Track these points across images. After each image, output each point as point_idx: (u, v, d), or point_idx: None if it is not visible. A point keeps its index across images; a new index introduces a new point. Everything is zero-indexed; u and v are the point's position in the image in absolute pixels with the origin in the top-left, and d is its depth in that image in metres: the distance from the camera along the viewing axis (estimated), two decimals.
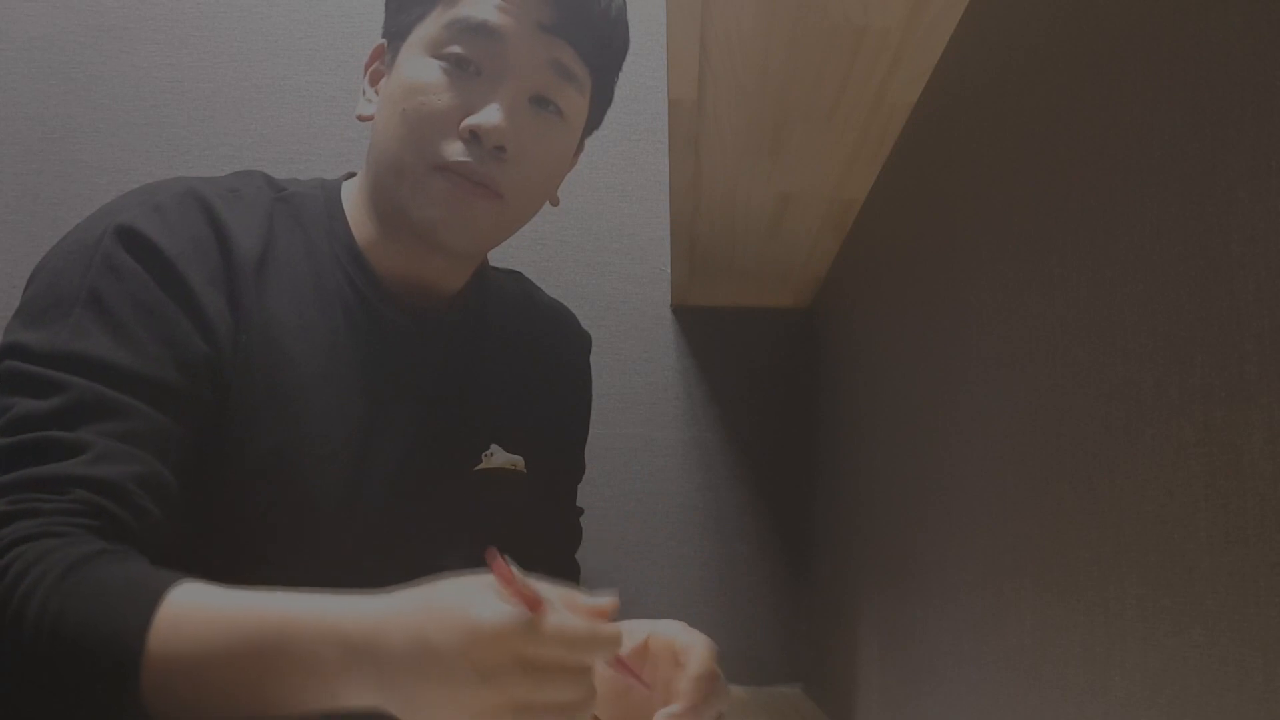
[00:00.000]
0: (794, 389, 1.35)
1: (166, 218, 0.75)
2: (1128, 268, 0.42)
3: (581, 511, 1.03)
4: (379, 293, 0.84)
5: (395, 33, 0.84)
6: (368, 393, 0.82)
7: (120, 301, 0.71)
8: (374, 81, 0.87)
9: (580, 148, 0.92)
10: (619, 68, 0.90)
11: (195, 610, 0.57)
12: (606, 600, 0.60)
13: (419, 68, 0.80)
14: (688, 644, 0.66)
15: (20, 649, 0.58)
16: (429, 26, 0.81)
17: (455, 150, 0.78)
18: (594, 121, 0.91)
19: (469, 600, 0.55)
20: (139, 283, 0.72)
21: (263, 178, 0.85)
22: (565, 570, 1.00)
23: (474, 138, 0.79)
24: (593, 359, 1.07)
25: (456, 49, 0.79)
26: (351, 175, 0.90)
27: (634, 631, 0.67)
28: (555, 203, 0.89)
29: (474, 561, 0.89)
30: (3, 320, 0.78)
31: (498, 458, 0.91)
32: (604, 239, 1.37)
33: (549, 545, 0.98)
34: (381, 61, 0.87)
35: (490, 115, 0.78)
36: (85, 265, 0.72)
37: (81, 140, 1.33)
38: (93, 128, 1.34)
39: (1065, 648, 0.47)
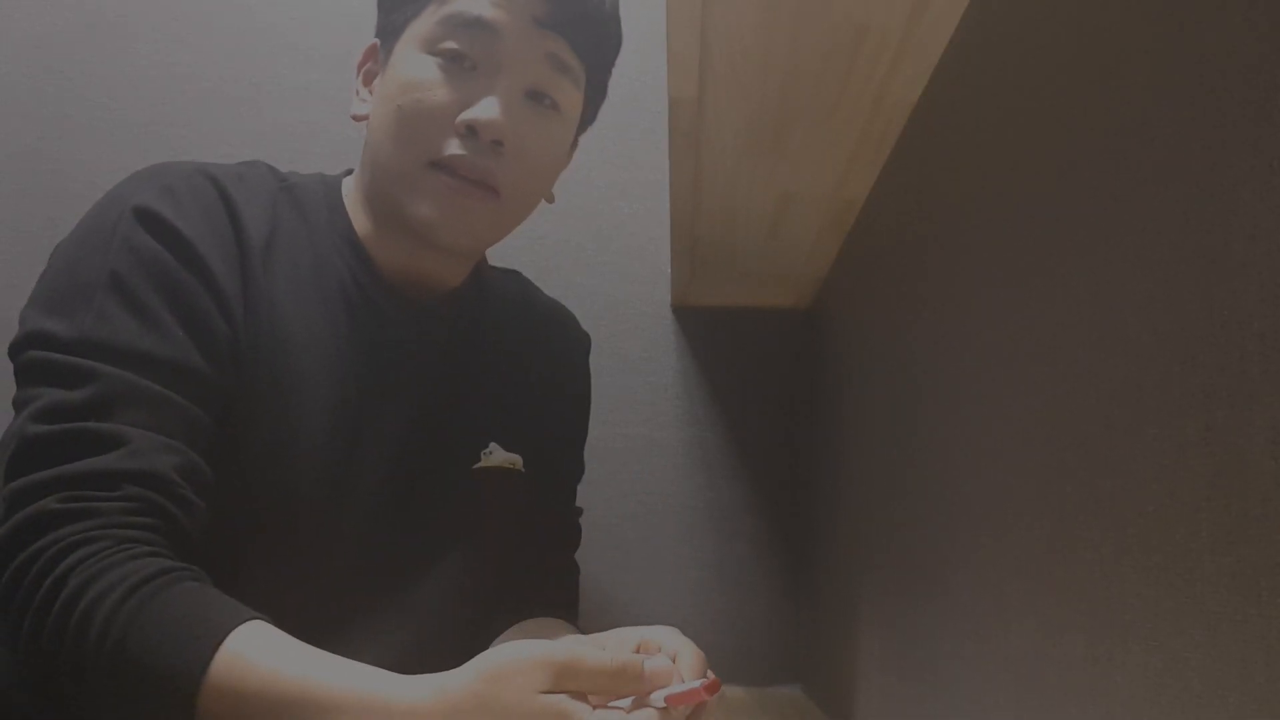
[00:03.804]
0: (794, 389, 1.35)
1: (181, 199, 0.75)
2: (1129, 267, 0.42)
3: (581, 511, 1.03)
4: (379, 286, 0.84)
5: (388, 31, 0.84)
6: (364, 386, 0.82)
7: (143, 284, 0.71)
8: (367, 81, 0.87)
9: (575, 144, 0.92)
10: (613, 63, 0.90)
11: (249, 668, 0.58)
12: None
13: (414, 64, 0.80)
14: (677, 645, 0.65)
15: (79, 663, 0.60)
16: (423, 23, 0.81)
17: (451, 146, 0.78)
18: (589, 117, 0.91)
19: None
20: (161, 264, 0.72)
21: (266, 167, 0.85)
22: (564, 571, 1.00)
23: (470, 133, 0.78)
24: (593, 359, 1.06)
25: (451, 44, 0.79)
26: (350, 172, 0.90)
27: (625, 639, 0.66)
28: (550, 200, 0.89)
29: (472, 559, 0.89)
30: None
31: (496, 456, 0.91)
32: (604, 239, 1.36)
33: (548, 545, 0.98)
34: (375, 61, 0.87)
35: (487, 109, 0.78)
36: (104, 249, 0.72)
37: (78, 138, 1.33)
38: (89, 126, 1.33)
39: (1067, 648, 0.47)
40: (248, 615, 0.61)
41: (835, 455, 1.11)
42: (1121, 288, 0.42)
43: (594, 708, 0.56)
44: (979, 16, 0.65)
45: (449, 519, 0.87)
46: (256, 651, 0.59)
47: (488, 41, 0.79)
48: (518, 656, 0.56)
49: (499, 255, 0.99)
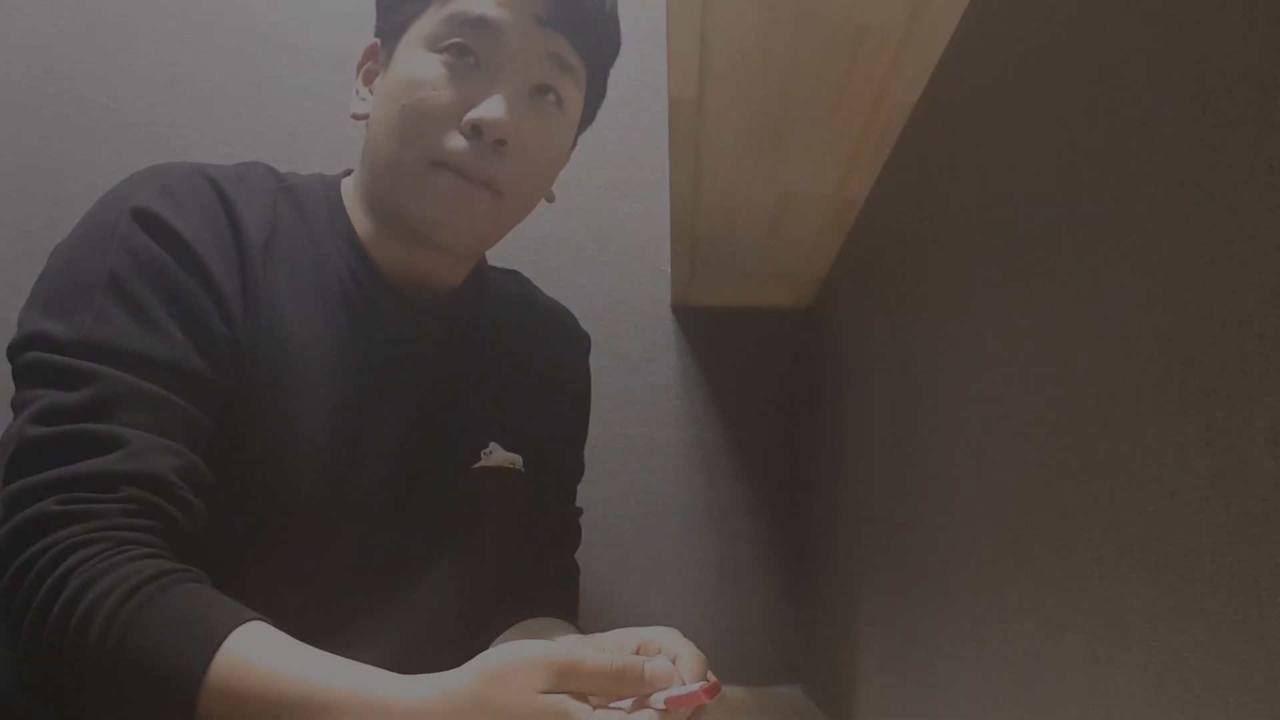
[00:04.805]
0: (794, 389, 1.35)
1: (180, 199, 0.75)
2: (1129, 268, 0.42)
3: (581, 511, 1.03)
4: (379, 286, 0.84)
5: (389, 30, 0.84)
6: (363, 386, 0.82)
7: (141, 285, 0.71)
8: (367, 81, 0.87)
9: (574, 144, 0.92)
10: (611, 63, 0.90)
11: (249, 668, 0.58)
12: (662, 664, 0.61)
13: (418, 63, 0.80)
14: (677, 647, 0.65)
15: (79, 665, 0.60)
16: (426, 22, 0.81)
17: (456, 144, 0.78)
18: (588, 117, 0.91)
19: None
20: (159, 265, 0.72)
21: (265, 167, 0.85)
22: (564, 571, 1.00)
23: (475, 132, 0.78)
24: (593, 359, 1.06)
25: (456, 43, 0.79)
26: (350, 172, 0.90)
27: (625, 641, 0.66)
28: (550, 199, 0.89)
29: (472, 559, 0.89)
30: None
31: (497, 456, 0.91)
32: (604, 239, 1.37)
33: (548, 545, 0.98)
34: (375, 61, 0.87)
35: (493, 108, 0.78)
36: (103, 250, 0.72)
37: (78, 139, 1.33)
38: (89, 126, 1.33)
39: (1067, 648, 0.47)
40: (248, 616, 0.61)
41: (835, 455, 1.11)
42: (1121, 288, 0.42)
43: (594, 709, 0.56)
44: (979, 16, 0.65)
45: (449, 519, 0.87)
46: (256, 652, 0.59)
47: (491, 41, 0.79)
48: (518, 657, 0.56)
49: (499, 255, 0.99)
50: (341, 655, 0.60)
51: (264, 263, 0.78)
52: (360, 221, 0.85)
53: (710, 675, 0.64)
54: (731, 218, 1.04)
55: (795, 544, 1.33)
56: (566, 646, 0.57)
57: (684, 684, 0.60)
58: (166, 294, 0.72)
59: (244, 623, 0.60)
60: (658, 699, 0.58)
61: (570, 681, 0.56)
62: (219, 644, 0.58)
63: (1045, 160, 0.52)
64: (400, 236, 0.83)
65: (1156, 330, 0.39)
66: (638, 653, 0.65)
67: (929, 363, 0.74)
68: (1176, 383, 0.38)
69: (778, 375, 1.36)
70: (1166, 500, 0.38)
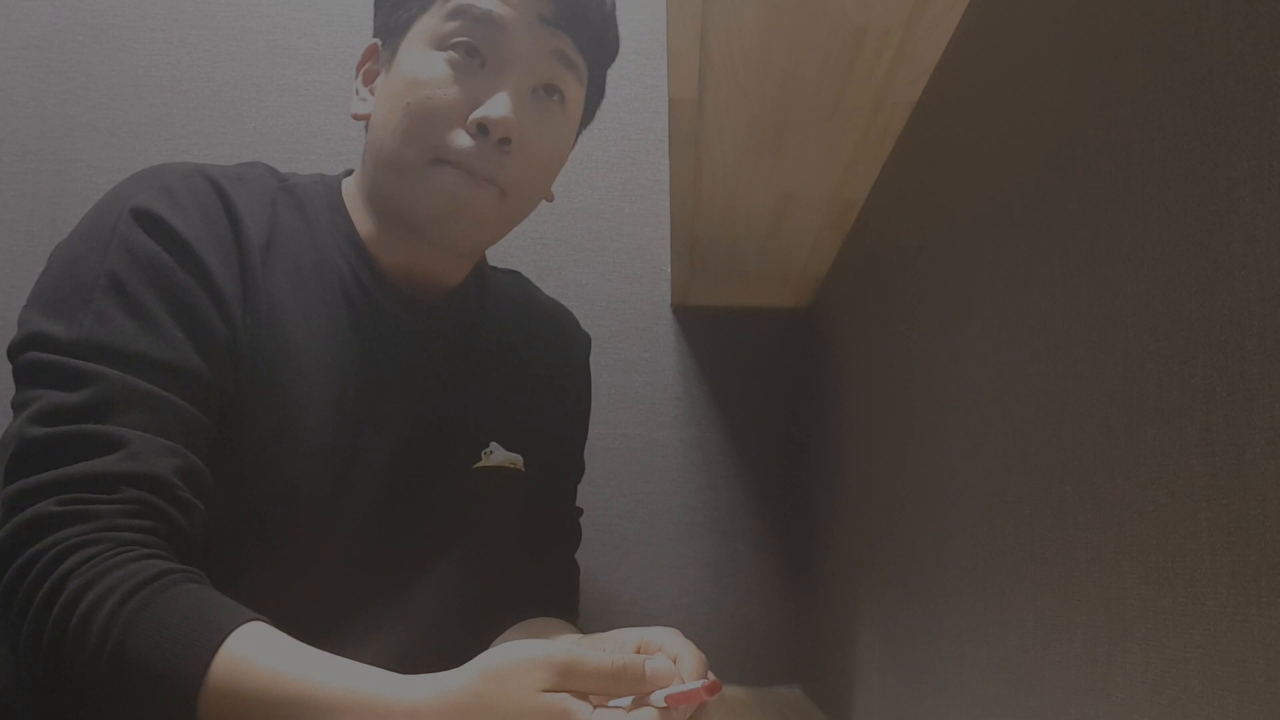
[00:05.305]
0: (794, 389, 1.35)
1: (179, 199, 0.75)
2: (1128, 267, 0.42)
3: (581, 511, 1.03)
4: (381, 285, 0.84)
5: (392, 29, 0.84)
6: (364, 385, 0.82)
7: (141, 285, 0.71)
8: (368, 81, 0.87)
9: (574, 143, 0.92)
10: (610, 63, 0.91)
11: (249, 668, 0.58)
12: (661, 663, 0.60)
13: (422, 61, 0.80)
14: (677, 647, 0.65)
15: (80, 666, 0.60)
16: (430, 20, 0.81)
17: (460, 142, 0.78)
18: (588, 117, 0.92)
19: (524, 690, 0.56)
20: (158, 265, 0.72)
21: (265, 167, 0.85)
22: (564, 571, 1.00)
23: (481, 130, 0.79)
24: (593, 359, 1.07)
25: (461, 40, 0.80)
26: (350, 172, 0.90)
27: (625, 641, 0.66)
28: (550, 199, 0.89)
29: (472, 559, 0.89)
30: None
31: (497, 455, 0.91)
32: (604, 239, 1.37)
33: (548, 545, 0.98)
34: (375, 60, 0.87)
35: (498, 106, 0.78)
36: (103, 250, 0.72)
37: (80, 139, 1.33)
38: (91, 127, 1.33)
39: (1066, 649, 0.47)
40: (248, 616, 0.61)
41: (835, 455, 1.11)
42: (1120, 288, 0.42)
43: (594, 708, 0.56)
44: (979, 16, 0.65)
45: (449, 518, 0.87)
46: (256, 652, 0.59)
47: (496, 37, 0.80)
48: (519, 656, 0.56)
49: (499, 255, 0.99)
50: (341, 655, 0.60)
51: (264, 262, 0.78)
52: (361, 221, 0.85)
53: (710, 675, 0.64)
54: (731, 218, 1.04)
55: (795, 544, 1.33)
56: (567, 646, 0.57)
57: (684, 683, 0.60)
58: (166, 294, 0.72)
59: (244, 623, 0.60)
60: (658, 697, 0.58)
61: (571, 680, 0.56)
62: (219, 644, 0.58)
63: (1045, 160, 0.52)
64: (402, 235, 0.83)
65: (1156, 330, 0.39)
66: (638, 652, 0.65)
67: (929, 362, 0.74)
68: (1176, 383, 0.38)
69: (778, 375, 1.36)
70: (1166, 500, 0.38)
